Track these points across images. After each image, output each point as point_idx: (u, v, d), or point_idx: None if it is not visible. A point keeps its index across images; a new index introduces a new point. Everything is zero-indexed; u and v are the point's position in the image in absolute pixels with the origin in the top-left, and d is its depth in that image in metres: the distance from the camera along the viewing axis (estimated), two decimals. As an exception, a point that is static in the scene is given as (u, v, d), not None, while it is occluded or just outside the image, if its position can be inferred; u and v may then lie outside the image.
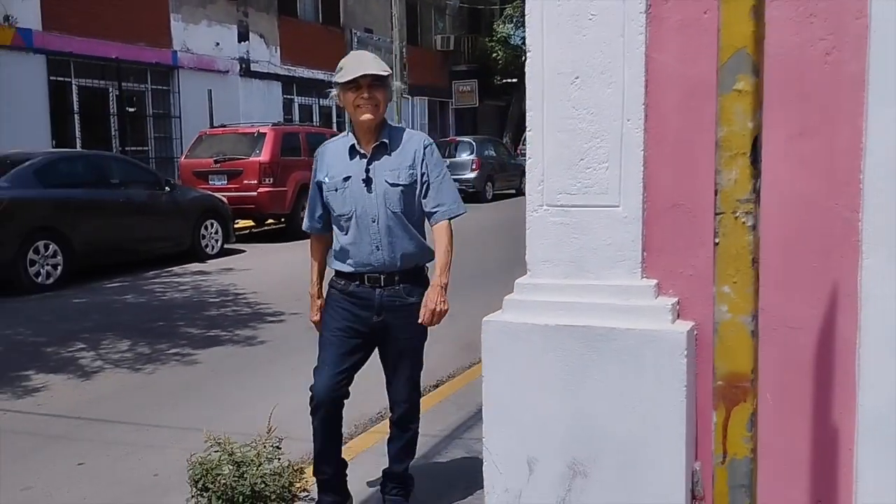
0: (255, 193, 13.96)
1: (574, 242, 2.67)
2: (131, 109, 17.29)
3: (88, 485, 4.33)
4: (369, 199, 3.19)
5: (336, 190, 3.22)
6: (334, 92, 3.23)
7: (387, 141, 3.22)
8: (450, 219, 3.29)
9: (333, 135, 18.10)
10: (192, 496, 3.62)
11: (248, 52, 21.02)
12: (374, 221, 3.19)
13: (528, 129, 2.70)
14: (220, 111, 18.11)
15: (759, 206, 1.29)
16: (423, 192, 3.26)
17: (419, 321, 3.23)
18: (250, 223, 15.41)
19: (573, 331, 2.58)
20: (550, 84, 2.66)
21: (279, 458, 3.69)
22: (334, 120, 24.70)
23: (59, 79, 16.44)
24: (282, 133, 14.55)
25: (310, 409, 3.32)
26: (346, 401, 3.38)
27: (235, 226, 13.63)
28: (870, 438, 2.42)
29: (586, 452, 2.62)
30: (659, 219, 2.63)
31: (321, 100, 23.81)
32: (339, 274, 3.34)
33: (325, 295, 3.44)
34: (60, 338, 7.60)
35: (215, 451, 3.70)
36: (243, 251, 13.44)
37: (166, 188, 12.06)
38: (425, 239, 3.34)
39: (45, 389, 6.07)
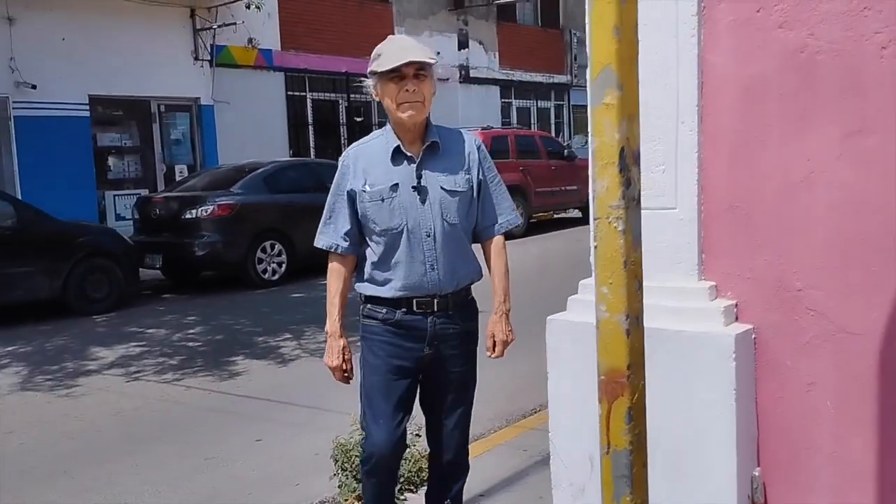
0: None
1: (634, 244, 2.72)
2: (359, 119, 18.48)
3: (259, 458, 4.86)
4: (422, 209, 2.66)
5: (382, 200, 2.65)
6: (370, 83, 2.72)
7: (438, 141, 2.71)
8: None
9: (547, 138, 18.52)
10: (335, 474, 3.98)
11: (467, 59, 21.73)
12: (428, 236, 2.66)
13: (590, 133, 2.78)
14: (440, 117, 18.84)
15: (629, 212, 1.37)
16: (480, 200, 2.78)
17: (490, 354, 2.82)
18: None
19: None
20: (610, 90, 2.73)
21: (414, 445, 3.95)
22: (552, 121, 24.91)
23: (296, 93, 17.93)
24: (490, 136, 14.98)
25: (364, 468, 2.88)
26: None
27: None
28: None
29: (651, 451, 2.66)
30: (716, 221, 2.62)
31: (539, 102, 24.11)
32: (377, 301, 2.74)
33: (345, 332, 2.82)
34: (271, 328, 8.42)
35: (357, 434, 4.05)
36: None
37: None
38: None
39: (245, 374, 6.80)
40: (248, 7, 15.34)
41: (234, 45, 16.49)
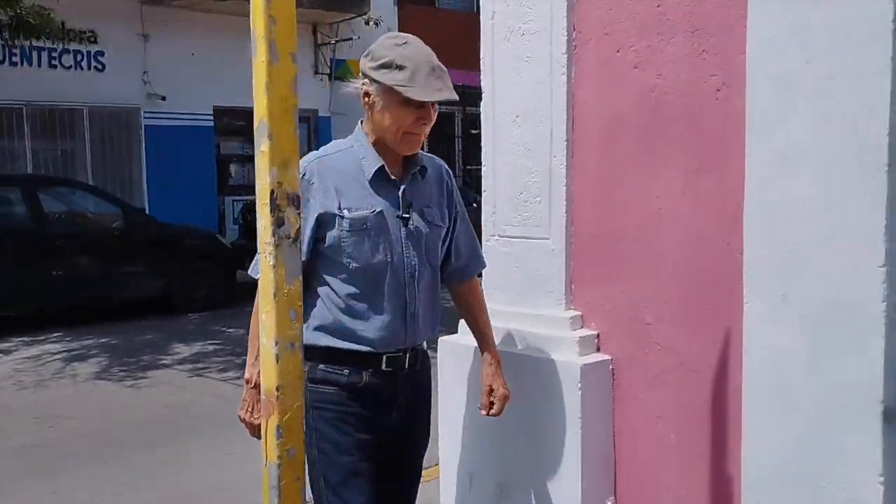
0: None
1: (516, 272, 2.83)
2: (474, 132, 18.81)
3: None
4: (407, 245, 2.22)
5: (366, 228, 2.16)
6: (361, 83, 2.21)
7: (427, 167, 2.33)
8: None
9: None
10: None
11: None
12: (412, 277, 2.23)
13: (483, 165, 2.91)
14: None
15: (280, 248, 1.53)
16: (451, 237, 2.41)
17: (486, 412, 2.41)
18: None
19: (501, 356, 2.75)
20: (499, 123, 2.85)
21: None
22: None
23: (415, 106, 18.46)
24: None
25: None
26: None
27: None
28: (754, 493, 2.28)
29: (510, 475, 2.77)
30: (584, 252, 2.69)
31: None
32: (339, 358, 2.21)
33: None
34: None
35: None
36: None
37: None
38: None
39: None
40: (367, 24, 15.98)
41: (352, 60, 17.16)
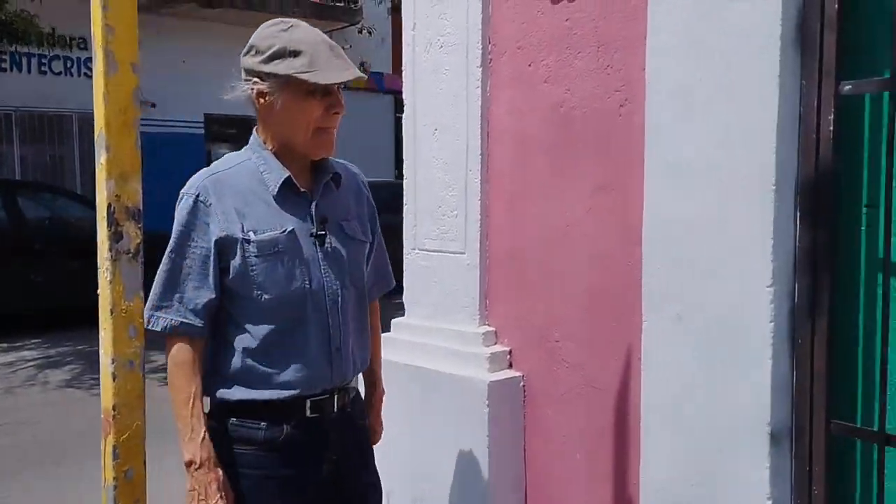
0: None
1: (434, 286, 2.81)
2: (467, 141, 18.90)
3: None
4: (326, 267, 1.88)
5: (276, 253, 1.82)
6: (247, 86, 1.85)
7: (341, 174, 1.97)
8: None
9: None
10: None
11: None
12: (335, 304, 1.89)
13: (405, 177, 2.89)
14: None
15: (119, 264, 1.50)
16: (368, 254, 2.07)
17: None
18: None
19: (415, 372, 2.73)
20: (419, 135, 2.83)
21: None
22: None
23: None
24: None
25: None
26: None
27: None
28: (651, 514, 2.25)
29: (425, 491, 2.73)
30: (499, 268, 2.66)
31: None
32: (252, 411, 1.86)
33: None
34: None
35: None
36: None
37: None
38: None
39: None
40: (359, 32, 16.00)
41: (346, 69, 17.18)
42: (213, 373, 1.88)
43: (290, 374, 1.84)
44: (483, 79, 2.62)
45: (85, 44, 14.16)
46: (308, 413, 1.87)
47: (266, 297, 1.82)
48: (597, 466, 2.43)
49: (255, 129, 1.94)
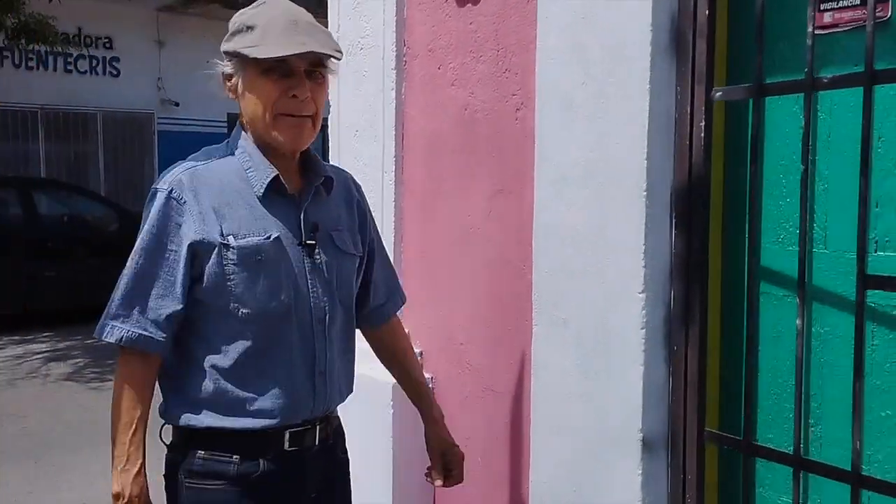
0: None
1: (355, 287, 2.83)
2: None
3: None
4: (314, 281, 1.68)
5: (259, 261, 1.61)
6: (224, 68, 1.66)
7: (333, 178, 1.76)
8: None
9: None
10: None
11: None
12: (321, 323, 1.69)
13: (330, 179, 2.91)
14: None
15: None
16: (370, 271, 1.91)
17: (441, 483, 1.99)
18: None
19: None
20: (342, 137, 2.86)
21: None
22: None
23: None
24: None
25: None
26: None
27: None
28: (539, 519, 2.25)
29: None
30: (412, 270, 2.67)
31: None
32: (226, 442, 1.63)
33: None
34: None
35: None
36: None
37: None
38: None
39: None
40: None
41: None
42: (177, 395, 1.64)
43: (268, 400, 1.62)
44: (398, 81, 2.64)
45: (110, 43, 14.43)
46: (287, 446, 1.65)
47: (244, 311, 1.60)
48: (494, 469, 2.43)
49: (238, 120, 1.70)
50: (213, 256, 1.59)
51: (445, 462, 1.97)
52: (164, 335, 1.61)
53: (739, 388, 2.01)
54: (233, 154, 1.67)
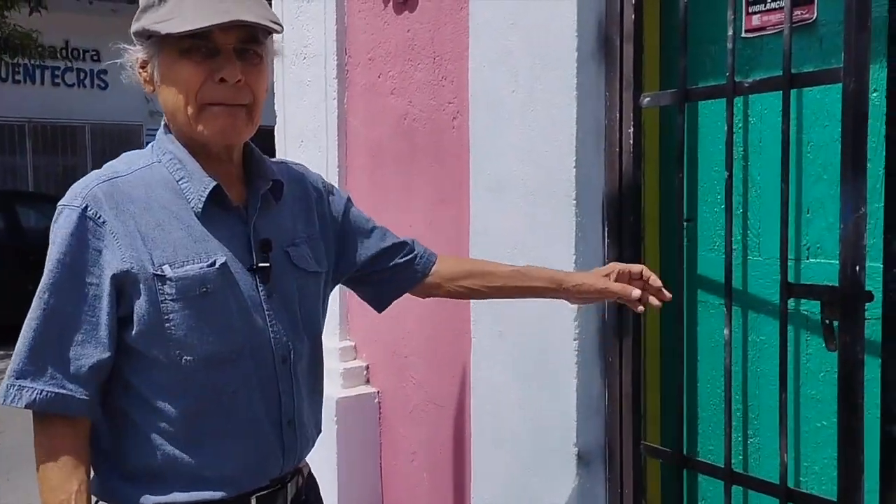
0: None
1: (303, 300, 2.79)
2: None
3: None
4: (273, 312, 1.36)
5: (204, 293, 1.28)
6: (135, 54, 1.33)
7: (282, 181, 1.41)
8: None
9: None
10: None
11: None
12: (285, 363, 1.36)
13: (279, 191, 2.87)
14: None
15: None
16: (368, 243, 1.57)
17: (662, 297, 1.59)
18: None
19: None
20: (288, 146, 2.82)
21: None
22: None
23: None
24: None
25: None
26: None
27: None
28: (481, 535, 2.20)
29: None
30: (357, 281, 2.63)
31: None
32: None
33: None
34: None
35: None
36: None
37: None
38: None
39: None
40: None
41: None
42: (112, 467, 1.32)
43: (227, 463, 1.30)
44: (340, 90, 2.60)
45: (98, 55, 14.41)
46: None
47: (188, 358, 1.26)
48: (439, 483, 2.38)
49: (163, 119, 1.36)
50: (144, 292, 1.24)
51: (644, 282, 1.58)
52: (88, 392, 1.25)
53: (688, 400, 1.97)
54: (160, 161, 1.32)
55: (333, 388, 2.55)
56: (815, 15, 1.73)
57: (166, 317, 1.25)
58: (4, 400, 1.25)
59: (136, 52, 1.31)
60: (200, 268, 1.27)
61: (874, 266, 1.59)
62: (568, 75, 1.89)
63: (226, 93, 1.27)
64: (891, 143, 1.58)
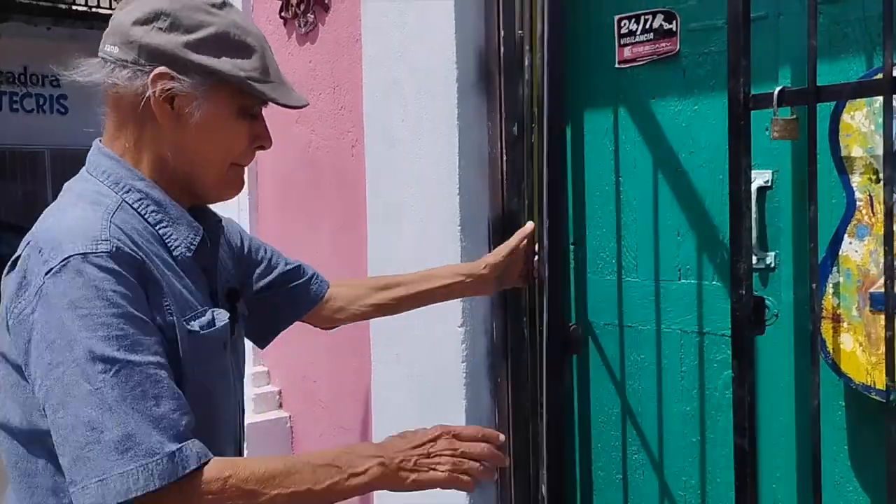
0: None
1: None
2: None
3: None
4: (234, 362, 1.28)
5: (224, 347, 1.22)
6: (166, 82, 1.12)
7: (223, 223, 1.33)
8: None
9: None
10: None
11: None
12: (240, 413, 1.36)
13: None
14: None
15: None
16: (270, 267, 1.52)
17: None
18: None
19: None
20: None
21: None
22: None
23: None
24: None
25: None
26: None
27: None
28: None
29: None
30: (269, 308, 2.67)
31: None
32: None
33: None
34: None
35: None
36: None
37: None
38: None
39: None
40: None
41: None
42: None
43: None
44: (252, 123, 2.63)
45: (57, 81, 14.36)
46: None
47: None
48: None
49: (101, 147, 1.21)
50: (184, 350, 1.09)
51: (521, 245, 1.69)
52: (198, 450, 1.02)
53: (572, 421, 2.02)
54: (123, 204, 1.13)
55: (245, 413, 2.58)
56: (678, 47, 1.81)
57: (195, 371, 1.11)
58: (163, 479, 0.98)
59: (170, 82, 1.13)
60: (214, 320, 1.17)
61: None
62: (450, 105, 1.95)
63: (252, 157, 1.25)
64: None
